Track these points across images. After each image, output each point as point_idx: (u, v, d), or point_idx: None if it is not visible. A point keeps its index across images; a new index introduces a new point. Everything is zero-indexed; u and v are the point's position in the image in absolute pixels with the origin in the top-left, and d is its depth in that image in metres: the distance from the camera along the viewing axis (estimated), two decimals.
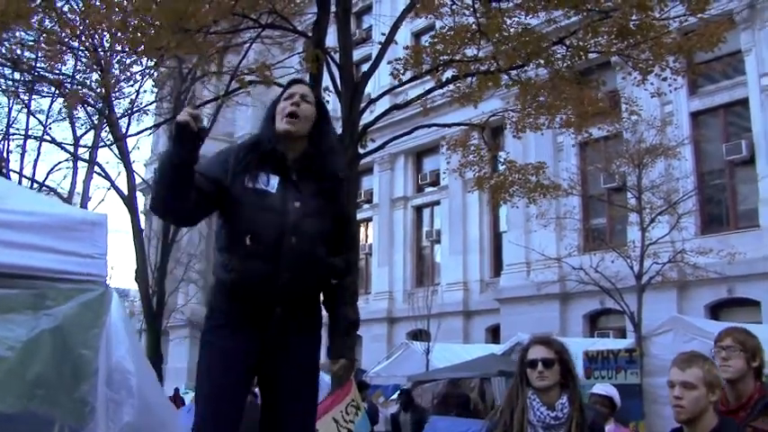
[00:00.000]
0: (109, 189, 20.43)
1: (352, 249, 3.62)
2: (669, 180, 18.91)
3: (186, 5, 8.61)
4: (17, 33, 12.41)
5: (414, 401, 14.57)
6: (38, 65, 14.68)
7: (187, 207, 3.24)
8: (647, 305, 17.05)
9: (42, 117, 22.91)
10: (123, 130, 18.60)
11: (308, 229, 3.31)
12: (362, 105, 12.27)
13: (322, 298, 3.56)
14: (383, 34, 12.93)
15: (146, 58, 12.52)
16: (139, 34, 9.22)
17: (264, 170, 3.34)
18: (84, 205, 22.15)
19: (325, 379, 18.95)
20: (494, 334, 29.40)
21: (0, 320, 3.55)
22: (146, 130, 18.23)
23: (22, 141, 23.07)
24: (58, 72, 15.06)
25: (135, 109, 19.69)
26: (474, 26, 11.48)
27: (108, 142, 19.08)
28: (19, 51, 15.42)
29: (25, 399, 3.49)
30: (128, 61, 11.40)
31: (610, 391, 6.90)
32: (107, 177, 20.20)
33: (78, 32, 10.94)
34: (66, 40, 11.37)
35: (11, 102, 21.64)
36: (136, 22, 9.23)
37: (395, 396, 17.10)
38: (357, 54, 29.27)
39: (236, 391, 3.30)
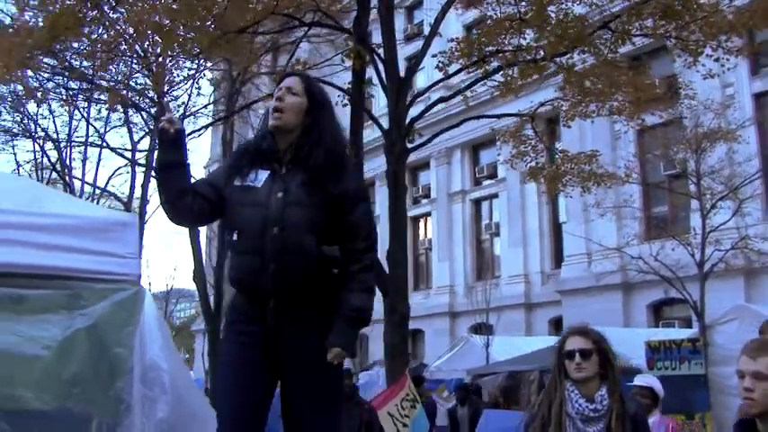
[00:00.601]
0: None
1: (357, 237, 3.42)
2: (730, 164, 18.39)
3: (211, 7, 8.71)
4: (73, 44, 12.73)
5: (471, 396, 14.47)
6: (91, 72, 15.03)
7: (186, 206, 3.36)
8: (712, 294, 16.64)
9: (102, 124, 23.54)
10: None
11: (292, 218, 3.26)
12: (409, 100, 12.22)
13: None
14: (429, 24, 12.86)
15: (189, 61, 12.70)
16: (176, 36, 9.36)
17: (257, 167, 3.39)
18: (143, 209, 22.66)
19: (379, 372, 19.02)
20: (556, 326, 29.08)
21: (35, 320, 3.62)
22: (194, 132, 18.48)
23: (82, 149, 23.71)
24: (111, 79, 15.41)
25: (188, 113, 20.03)
26: (517, 15, 11.32)
27: None
28: (75, 61, 15.85)
29: (62, 397, 3.55)
30: (168, 64, 11.58)
31: (650, 381, 6.69)
32: None
33: (126, 37, 11.17)
34: (115, 46, 11.63)
35: (71, 110, 22.26)
36: (168, 23, 9.38)
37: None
38: (410, 49, 29.41)
39: (244, 387, 3.32)
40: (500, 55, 12.07)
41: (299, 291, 3.28)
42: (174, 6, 9.04)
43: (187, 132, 16.40)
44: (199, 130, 18.51)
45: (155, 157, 3.43)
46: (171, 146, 3.31)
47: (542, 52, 11.44)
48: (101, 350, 3.72)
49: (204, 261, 21.88)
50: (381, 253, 12.63)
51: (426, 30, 18.06)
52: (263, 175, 3.36)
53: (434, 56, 12.90)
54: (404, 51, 27.09)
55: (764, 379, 3.06)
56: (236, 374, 3.33)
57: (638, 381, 6.64)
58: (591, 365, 3.94)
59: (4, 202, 3.71)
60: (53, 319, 3.66)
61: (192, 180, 3.55)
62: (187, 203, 3.37)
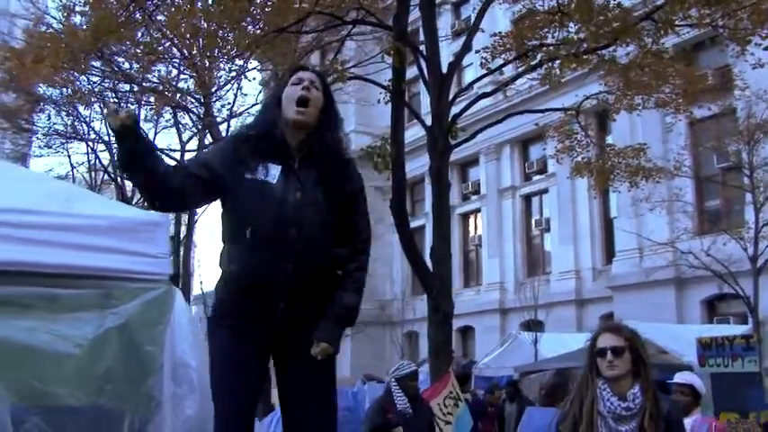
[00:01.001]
0: None
1: (358, 238, 3.43)
2: None
3: (249, 9, 8.79)
4: (117, 47, 12.99)
5: (520, 393, 14.37)
6: (139, 75, 15.33)
7: (166, 192, 3.38)
8: (767, 289, 16.24)
9: (152, 126, 23.94)
10: (223, 135, 19.16)
11: (310, 219, 3.24)
12: (452, 96, 12.17)
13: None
14: (470, 18, 12.78)
15: (231, 62, 12.85)
16: (216, 38, 9.48)
17: (265, 160, 3.28)
18: (192, 209, 22.99)
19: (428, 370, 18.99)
20: None
21: (68, 319, 3.69)
22: None
23: None
24: (157, 81, 15.68)
25: (235, 113, 20.24)
26: (558, 8, 11.19)
27: (209, 145, 19.70)
28: (125, 64, 16.17)
29: (94, 394, 3.62)
30: (209, 64, 11.73)
31: (690, 378, 6.53)
32: None
33: (170, 39, 11.35)
34: (157, 48, 11.83)
35: (121, 113, 22.61)
36: (206, 26, 9.51)
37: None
38: (457, 45, 29.31)
39: (238, 383, 3.35)
40: (543, 49, 11.94)
41: (311, 291, 3.28)
42: (212, 9, 9.13)
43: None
44: None
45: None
46: (121, 137, 3.21)
47: (585, 45, 11.29)
48: (132, 348, 3.79)
49: None
50: (426, 250, 12.68)
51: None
52: (275, 170, 3.28)
53: (477, 51, 12.82)
54: (451, 48, 27.05)
55: None
56: (231, 370, 3.34)
57: (678, 378, 6.50)
58: (623, 363, 3.88)
59: (38, 204, 3.80)
60: (86, 317, 3.73)
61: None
62: (168, 190, 3.35)
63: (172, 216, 28.01)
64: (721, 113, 18.87)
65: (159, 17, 10.89)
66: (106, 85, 18.42)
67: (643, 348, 3.98)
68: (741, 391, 10.11)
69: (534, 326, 23.27)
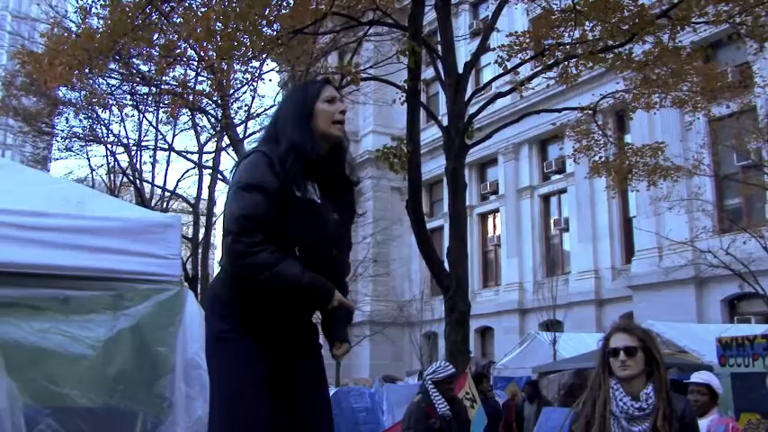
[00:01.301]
0: None
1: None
2: None
3: (263, 11, 8.80)
4: (134, 49, 13.08)
5: (539, 393, 14.32)
6: (156, 77, 15.43)
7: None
8: None
9: (170, 128, 24.13)
10: (241, 136, 19.27)
11: (342, 239, 3.31)
12: (468, 96, 12.14)
13: None
14: (488, 18, 12.74)
15: (246, 64, 12.89)
16: (230, 41, 9.50)
17: (306, 177, 3.20)
18: (211, 211, 23.14)
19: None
20: None
21: (81, 321, 3.74)
22: (256, 132, 18.81)
23: (152, 152, 24.31)
24: (174, 83, 15.79)
25: (253, 114, 20.34)
26: (573, 6, 11.13)
27: (227, 146, 19.82)
28: (144, 67, 16.30)
29: (107, 395, 3.67)
30: (226, 66, 11.76)
31: (708, 378, 6.43)
32: (227, 182, 20.96)
33: (186, 41, 11.40)
34: (173, 50, 11.89)
35: (140, 116, 22.87)
36: (221, 28, 9.53)
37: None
38: (475, 46, 29.25)
39: (266, 409, 3.13)
40: (559, 48, 11.89)
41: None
42: (227, 10, 9.17)
43: (249, 133, 16.41)
44: (260, 130, 18.75)
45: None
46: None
47: (601, 44, 11.23)
48: (144, 349, 3.83)
49: None
50: (443, 250, 12.67)
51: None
52: (315, 187, 3.24)
53: (493, 49, 12.79)
54: (469, 48, 27.01)
55: None
56: (261, 394, 3.12)
57: (696, 378, 6.42)
58: (636, 363, 3.84)
59: (50, 206, 3.84)
60: (98, 319, 3.77)
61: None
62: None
63: (189, 218, 28.22)
64: (741, 111, 18.68)
65: (176, 19, 10.95)
66: (124, 88, 18.60)
67: (656, 348, 3.94)
68: (762, 390, 10.01)
69: (553, 326, 23.17)
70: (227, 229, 3.04)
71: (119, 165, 25.65)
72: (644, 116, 18.08)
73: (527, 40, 12.63)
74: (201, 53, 12.59)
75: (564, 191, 33.83)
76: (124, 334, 3.78)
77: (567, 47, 11.76)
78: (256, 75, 15.08)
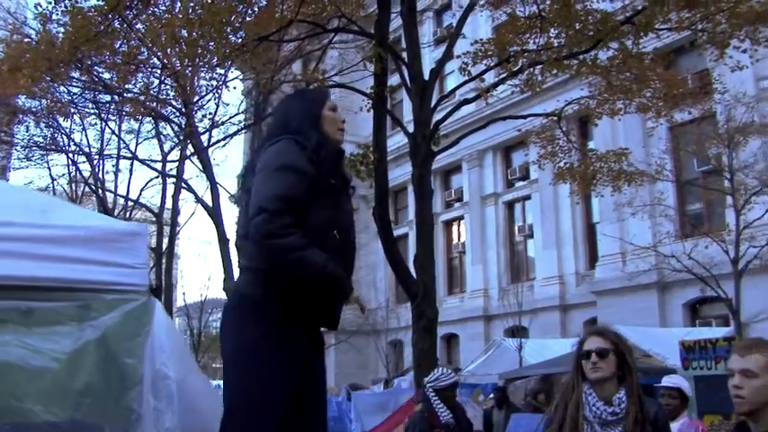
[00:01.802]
0: (197, 203, 20.97)
1: None
2: (764, 158, 18.04)
3: (229, 18, 8.74)
4: (96, 57, 12.88)
5: (508, 399, 14.34)
6: (119, 85, 15.24)
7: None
8: (748, 291, 16.34)
9: (133, 137, 23.83)
10: (204, 144, 19.12)
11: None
12: (434, 103, 12.16)
13: None
14: (452, 26, 12.79)
15: (212, 72, 12.79)
16: (194, 47, 9.41)
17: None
18: (174, 220, 22.91)
19: (402, 385, 18.96)
20: None
21: (45, 333, 3.63)
22: (221, 140, 18.69)
23: (115, 162, 24.00)
24: (137, 91, 15.62)
25: (216, 123, 20.19)
26: (538, 13, 11.22)
27: (191, 154, 19.65)
28: (106, 74, 16.04)
29: (72, 409, 3.56)
30: (189, 73, 11.65)
31: (678, 381, 6.49)
32: (191, 191, 20.83)
33: (149, 48, 11.28)
34: (136, 57, 11.75)
35: (102, 124, 22.56)
36: (186, 35, 9.45)
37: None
38: (439, 53, 29.35)
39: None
40: (524, 54, 11.95)
41: None
42: (191, 17, 9.08)
43: (214, 141, 16.31)
44: (225, 138, 18.69)
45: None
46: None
47: (565, 50, 11.32)
48: (111, 361, 3.72)
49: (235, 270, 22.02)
50: (410, 258, 12.66)
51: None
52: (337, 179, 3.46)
53: (458, 56, 12.82)
54: (433, 55, 27.08)
55: (753, 376, 3.03)
56: (311, 406, 3.26)
57: (666, 381, 6.46)
58: (607, 366, 3.85)
59: (12, 215, 3.73)
60: (63, 330, 3.67)
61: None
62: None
63: (152, 228, 27.86)
64: (701, 117, 18.99)
65: (138, 26, 10.82)
66: (87, 96, 18.33)
67: (629, 352, 3.95)
68: (724, 393, 10.09)
69: (518, 332, 23.27)
70: (260, 207, 3.04)
71: (81, 174, 25.26)
72: (606, 122, 18.28)
73: (492, 47, 12.69)
74: (165, 60, 12.45)
75: (528, 197, 34.07)
76: (90, 345, 3.67)
77: (533, 53, 11.83)
78: (221, 82, 14.97)
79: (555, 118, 13.98)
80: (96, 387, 3.65)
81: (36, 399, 3.48)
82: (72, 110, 18.47)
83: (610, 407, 3.81)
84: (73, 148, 24.14)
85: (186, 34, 9.40)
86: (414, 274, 11.61)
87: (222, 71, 13.38)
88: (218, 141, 18.60)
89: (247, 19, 10.08)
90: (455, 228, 38.48)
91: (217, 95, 18.96)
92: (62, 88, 17.50)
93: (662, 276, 23.51)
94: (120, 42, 11.28)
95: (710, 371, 10.86)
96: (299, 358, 3.13)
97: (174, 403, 3.62)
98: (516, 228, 34.73)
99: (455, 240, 38.33)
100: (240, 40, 10.02)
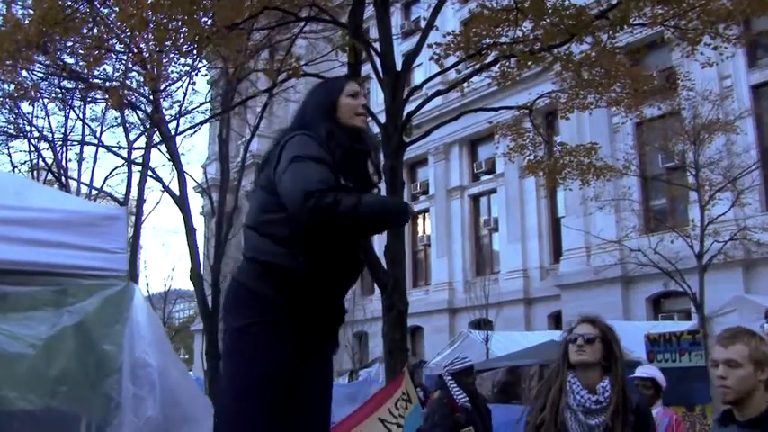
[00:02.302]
0: (163, 192, 20.73)
1: None
2: (729, 155, 18.34)
3: (200, 2, 8.60)
4: (63, 41, 12.62)
5: (476, 390, 14.38)
6: (85, 71, 14.96)
7: None
8: (712, 286, 16.59)
9: (97, 124, 23.47)
10: (172, 132, 18.88)
11: None
12: (406, 95, 12.12)
13: None
14: (424, 19, 12.76)
15: (183, 58, 12.60)
16: (167, 32, 9.25)
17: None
18: (139, 208, 22.62)
19: (364, 376, 18.94)
20: (556, 321, 29.04)
21: (21, 318, 3.53)
22: (189, 128, 18.47)
23: (78, 149, 23.61)
24: (104, 77, 15.38)
25: (184, 111, 19.96)
26: (514, 5, 11.22)
27: (158, 142, 19.42)
28: (70, 60, 15.74)
29: (48, 396, 3.47)
30: (163, 61, 11.45)
31: (651, 372, 6.60)
32: (158, 179, 20.56)
33: (117, 34, 11.09)
34: (106, 42, 11.53)
35: (66, 111, 22.15)
36: (155, 18, 9.27)
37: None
38: (406, 46, 29.36)
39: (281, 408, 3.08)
40: (497, 47, 11.96)
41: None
42: (162, 2, 8.89)
43: (182, 130, 16.07)
44: (194, 126, 18.46)
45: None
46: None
47: (539, 43, 11.35)
48: (89, 348, 3.64)
49: (201, 261, 21.81)
50: (379, 249, 12.61)
51: (423, 26, 18.00)
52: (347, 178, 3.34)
53: (430, 46, 12.78)
54: (400, 48, 27.04)
55: (736, 366, 3.09)
56: (300, 405, 3.14)
57: (640, 372, 6.55)
58: (592, 351, 3.89)
59: None
60: (39, 316, 3.57)
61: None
62: None
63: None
64: (669, 114, 19.23)
65: (106, 10, 10.61)
66: (52, 81, 17.98)
67: (616, 343, 3.98)
68: (688, 385, 10.29)
69: (483, 325, 23.37)
70: (306, 192, 2.96)
71: (44, 161, 24.79)
72: (573, 117, 18.42)
73: (464, 40, 12.68)
74: (133, 46, 12.25)
75: (494, 191, 34.24)
76: (67, 331, 3.57)
77: (505, 46, 11.84)
78: (192, 69, 14.77)
79: (526, 111, 14.02)
80: (73, 374, 3.56)
81: (11, 386, 3.39)
82: (37, 95, 18.09)
83: (593, 395, 3.84)
84: (36, 134, 23.73)
85: (155, 17, 9.22)
86: (384, 266, 11.57)
87: (190, 61, 13.23)
88: (187, 130, 18.39)
89: (219, 2, 9.86)
90: (420, 220, 38.54)
91: (186, 83, 18.78)
92: (24, 73, 17.15)
93: (626, 271, 23.79)
94: (88, 27, 11.05)
95: (675, 363, 11.04)
96: (286, 349, 3.04)
97: (156, 391, 3.55)
98: (481, 221, 34.89)
99: (420, 233, 38.40)
100: (211, 26, 9.86)
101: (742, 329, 3.29)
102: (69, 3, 9.14)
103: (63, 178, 23.79)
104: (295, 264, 3.08)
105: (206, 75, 21.48)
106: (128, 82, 16.79)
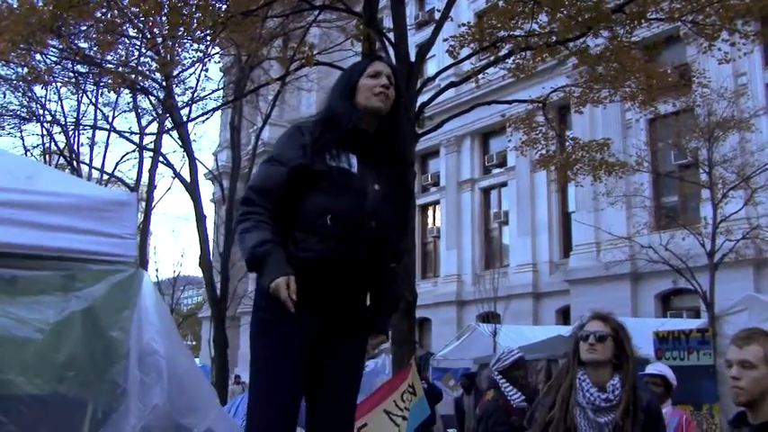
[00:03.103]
0: (174, 178, 20.77)
1: (406, 231, 3.57)
2: (743, 153, 18.24)
3: None
4: (78, 25, 12.62)
5: (476, 385, 14.37)
6: (98, 56, 14.97)
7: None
8: (722, 284, 16.50)
9: (110, 109, 23.50)
10: (184, 119, 18.90)
11: (385, 213, 3.23)
12: (419, 85, 12.07)
13: None
14: (438, 11, 12.69)
15: (196, 44, 12.59)
16: (181, 17, 9.21)
17: (344, 148, 3.23)
18: (150, 194, 22.67)
19: (386, 361, 18.94)
20: (564, 316, 28.99)
21: (29, 302, 3.51)
22: (202, 115, 18.46)
23: (90, 134, 23.66)
24: (117, 62, 15.36)
25: (196, 98, 19.97)
26: None
27: (170, 128, 19.44)
28: (84, 44, 15.75)
29: (54, 381, 3.45)
30: (176, 47, 11.44)
31: (662, 369, 6.51)
32: (169, 165, 20.60)
33: (130, 18, 11.07)
34: (120, 26, 11.52)
35: (79, 95, 22.19)
36: (170, 2, 9.24)
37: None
38: (420, 37, 29.26)
39: (297, 385, 3.15)
40: (512, 39, 11.89)
41: (373, 283, 3.30)
42: None
43: (194, 116, 16.07)
44: (207, 113, 18.47)
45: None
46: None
47: (555, 37, 11.27)
48: (96, 333, 3.62)
49: (211, 248, 21.84)
50: None
51: (437, 17, 17.92)
52: (354, 159, 3.24)
53: (445, 40, 12.73)
54: (414, 39, 26.93)
55: (751, 367, 3.06)
56: (292, 362, 3.14)
57: (651, 369, 6.49)
58: (604, 350, 3.86)
59: None
60: (47, 300, 3.55)
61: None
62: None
63: None
64: (683, 110, 19.12)
65: None
66: (65, 65, 18.01)
67: (628, 341, 3.95)
68: (695, 384, 10.24)
69: (492, 318, 23.32)
70: (243, 198, 3.21)
71: (56, 145, 24.86)
72: (586, 112, 18.34)
73: (480, 31, 12.62)
74: (146, 31, 12.23)
75: (504, 184, 34.17)
76: (75, 317, 3.56)
77: (520, 39, 11.77)
78: (205, 55, 14.73)
79: (539, 104, 13.95)
80: (80, 360, 3.54)
81: (19, 370, 3.38)
82: (50, 79, 18.12)
83: (603, 393, 3.82)
84: (48, 118, 23.77)
85: (170, 2, 9.19)
86: None
87: (204, 46, 13.19)
88: (199, 116, 18.38)
89: None
90: (430, 212, 38.51)
91: (200, 69, 18.78)
92: (38, 57, 17.17)
93: (635, 267, 23.71)
94: (102, 11, 11.04)
95: (683, 361, 10.97)
96: (293, 340, 3.10)
97: (164, 378, 3.53)
98: (492, 214, 34.83)
99: (430, 225, 38.37)
100: (226, 12, 9.83)
101: (758, 330, 3.25)
102: None
103: (75, 162, 23.84)
104: (300, 254, 3.11)
105: (219, 62, 21.46)
106: (141, 68, 16.78)
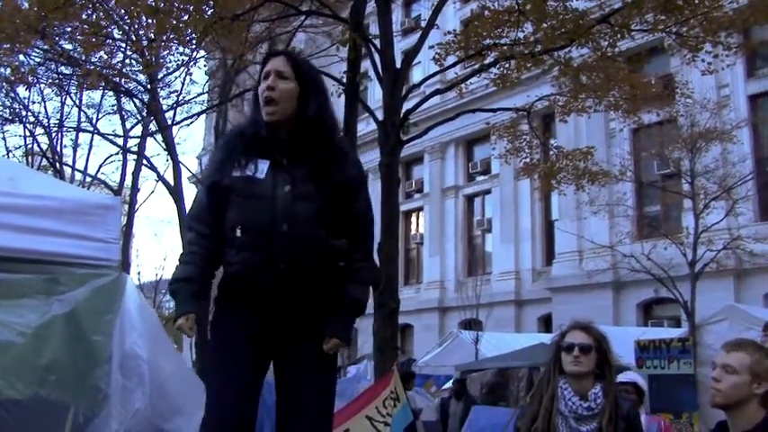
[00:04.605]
0: (158, 181, 20.67)
1: (360, 226, 3.32)
2: (725, 165, 18.41)
3: None
4: (62, 26, 12.53)
5: (467, 391, 14.40)
6: (82, 57, 14.86)
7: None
8: (703, 294, 16.61)
9: (94, 111, 23.35)
10: (169, 122, 18.83)
11: (301, 213, 3.07)
12: (404, 93, 12.09)
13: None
14: (424, 20, 12.73)
15: (182, 48, 12.55)
16: (169, 20, 9.19)
17: (252, 156, 3.14)
18: (133, 197, 22.53)
19: (368, 366, 18.92)
20: (546, 323, 29.09)
21: (11, 306, 3.49)
22: (186, 118, 18.40)
23: (74, 135, 23.51)
24: (101, 65, 15.26)
25: (181, 101, 19.89)
26: (516, 7, 11.20)
27: (154, 131, 19.36)
28: (68, 45, 15.64)
29: (36, 385, 3.43)
30: (162, 51, 11.38)
31: (633, 377, 6.59)
32: (153, 169, 20.50)
33: (116, 19, 11.01)
34: (106, 29, 11.45)
35: (63, 96, 22.04)
36: (163, 5, 9.21)
37: (448, 385, 16.93)
38: (406, 44, 29.32)
39: (242, 383, 3.12)
40: (497, 48, 11.94)
41: (308, 288, 3.15)
42: None
43: (178, 120, 15.99)
44: (191, 116, 18.38)
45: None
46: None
47: (539, 46, 11.33)
48: (79, 337, 3.60)
49: None
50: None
51: (423, 24, 17.97)
52: (264, 165, 3.12)
53: (431, 47, 12.77)
54: (400, 46, 26.95)
55: (732, 372, 3.10)
56: (229, 360, 3.14)
57: (622, 377, 6.54)
58: (588, 361, 3.87)
59: None
60: (29, 304, 3.53)
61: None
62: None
63: None
64: (666, 121, 19.27)
65: None
66: (49, 66, 17.86)
67: (610, 351, 3.96)
68: (675, 392, 10.30)
69: (473, 325, 23.36)
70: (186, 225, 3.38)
71: (39, 146, 24.65)
72: (570, 121, 18.44)
73: (465, 39, 12.66)
74: (131, 33, 12.18)
75: (488, 192, 34.26)
76: (57, 320, 3.54)
77: (505, 48, 11.81)
78: (190, 58, 14.68)
79: (524, 113, 14.02)
80: (62, 364, 3.52)
81: None
82: (33, 80, 17.99)
83: (585, 402, 3.82)
84: (31, 119, 23.59)
85: (164, 5, 9.15)
86: (377, 263, 11.52)
87: (190, 50, 13.13)
88: (183, 120, 18.29)
89: None
90: (414, 218, 38.53)
91: (184, 73, 18.70)
92: (22, 57, 17.05)
93: (617, 276, 23.82)
94: (87, 13, 10.97)
95: (664, 370, 11.04)
96: (234, 333, 3.15)
97: (146, 383, 3.52)
98: (475, 221, 34.90)
99: (413, 231, 38.40)
100: (215, 15, 9.80)
101: (750, 341, 3.30)
102: None
103: (57, 164, 23.65)
104: (227, 268, 3.19)
105: (204, 65, 21.39)
106: (125, 70, 16.70)
